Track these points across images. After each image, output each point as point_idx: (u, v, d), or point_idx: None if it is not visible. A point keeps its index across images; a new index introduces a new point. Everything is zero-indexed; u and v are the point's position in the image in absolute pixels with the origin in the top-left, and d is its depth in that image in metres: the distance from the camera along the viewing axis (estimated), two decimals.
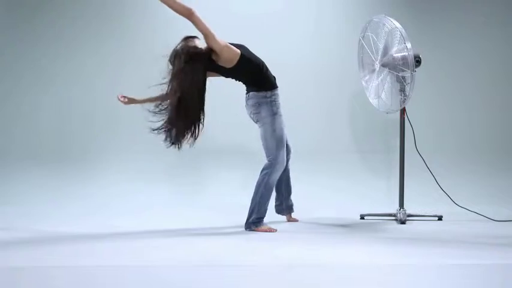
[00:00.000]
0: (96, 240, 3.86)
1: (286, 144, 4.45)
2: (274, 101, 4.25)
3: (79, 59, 6.17)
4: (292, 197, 4.72)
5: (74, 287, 2.84)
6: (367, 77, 4.80)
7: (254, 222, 4.24)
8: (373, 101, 4.79)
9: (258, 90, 4.25)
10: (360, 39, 4.82)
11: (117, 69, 6.14)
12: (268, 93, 4.24)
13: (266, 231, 4.19)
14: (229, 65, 4.15)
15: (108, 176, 5.86)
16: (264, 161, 4.30)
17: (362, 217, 4.84)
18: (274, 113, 4.24)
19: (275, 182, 4.30)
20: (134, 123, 6.14)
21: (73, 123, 6.13)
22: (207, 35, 4.00)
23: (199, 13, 3.99)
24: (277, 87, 4.30)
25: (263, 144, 4.30)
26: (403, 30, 4.50)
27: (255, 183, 4.28)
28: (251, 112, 4.32)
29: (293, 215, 4.76)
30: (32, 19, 6.16)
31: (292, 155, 4.61)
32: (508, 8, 6.26)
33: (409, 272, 3.02)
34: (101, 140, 6.08)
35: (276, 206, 4.72)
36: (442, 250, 3.52)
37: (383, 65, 4.62)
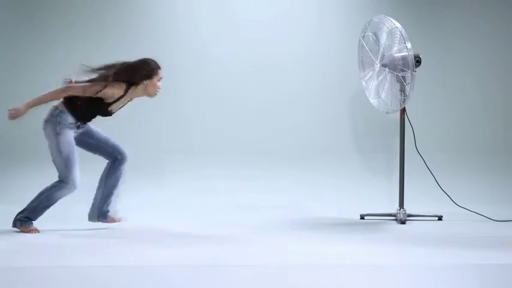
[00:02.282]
0: (96, 240, 3.86)
1: (120, 151, 4.40)
2: (57, 122, 4.19)
3: (79, 58, 6.16)
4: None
5: (74, 287, 2.84)
6: (367, 77, 4.80)
7: (22, 220, 4.17)
8: (373, 101, 4.79)
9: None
10: (360, 39, 4.82)
11: None
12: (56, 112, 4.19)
13: (31, 231, 4.10)
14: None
15: None
16: None
17: (362, 217, 4.84)
18: (57, 133, 4.20)
19: (58, 199, 4.23)
20: (134, 123, 6.15)
21: None
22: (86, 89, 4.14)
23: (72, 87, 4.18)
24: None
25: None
26: (403, 30, 4.50)
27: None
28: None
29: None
30: (31, 19, 6.16)
31: (127, 162, 4.45)
32: (508, 8, 6.26)
33: (409, 272, 3.02)
34: None
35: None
36: (442, 250, 3.52)
37: (383, 65, 4.62)
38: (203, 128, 6.07)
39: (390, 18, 4.59)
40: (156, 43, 6.18)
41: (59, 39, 6.17)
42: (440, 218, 4.73)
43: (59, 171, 4.21)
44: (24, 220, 4.19)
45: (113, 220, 4.35)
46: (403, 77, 4.52)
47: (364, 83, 4.84)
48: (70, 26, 6.16)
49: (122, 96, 4.20)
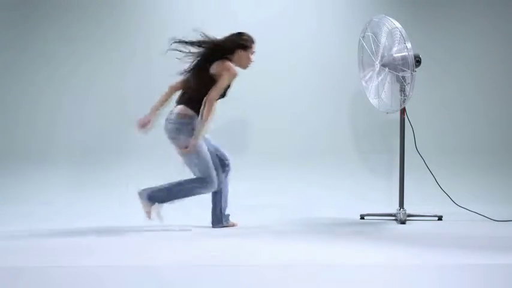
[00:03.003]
0: (96, 240, 3.86)
1: (227, 158, 4.43)
2: (192, 128, 4.21)
3: (79, 59, 6.17)
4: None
5: (74, 287, 2.84)
6: (367, 77, 4.80)
7: (152, 196, 4.29)
8: (373, 101, 4.79)
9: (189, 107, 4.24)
10: (360, 39, 4.82)
11: (117, 68, 6.14)
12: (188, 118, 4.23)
13: (148, 213, 4.25)
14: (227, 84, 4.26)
15: (108, 176, 5.86)
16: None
17: (362, 217, 4.84)
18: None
19: (193, 195, 4.29)
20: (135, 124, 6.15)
21: (73, 123, 6.13)
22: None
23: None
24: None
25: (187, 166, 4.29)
26: (403, 30, 4.50)
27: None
28: (169, 136, 4.31)
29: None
30: (31, 19, 6.16)
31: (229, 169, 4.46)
32: (508, 8, 6.26)
33: (409, 272, 3.02)
34: (101, 140, 6.08)
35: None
36: (442, 250, 3.52)
37: (383, 65, 4.62)
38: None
39: (390, 18, 4.59)
40: (156, 42, 6.18)
41: (59, 39, 6.17)
42: (440, 218, 4.73)
43: (200, 172, 4.24)
44: (149, 199, 4.28)
45: (233, 224, 4.44)
46: (403, 77, 4.52)
47: (364, 83, 4.84)
48: (70, 25, 6.16)
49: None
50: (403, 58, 4.49)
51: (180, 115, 4.24)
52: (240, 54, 4.30)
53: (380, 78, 4.68)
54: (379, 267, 3.11)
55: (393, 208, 4.79)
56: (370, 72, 4.75)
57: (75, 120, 6.13)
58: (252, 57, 4.35)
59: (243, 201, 5.08)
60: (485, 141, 6.12)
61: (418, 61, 4.55)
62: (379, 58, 4.65)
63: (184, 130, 4.21)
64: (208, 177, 4.23)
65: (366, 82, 4.81)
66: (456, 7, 6.24)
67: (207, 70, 4.24)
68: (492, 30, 6.24)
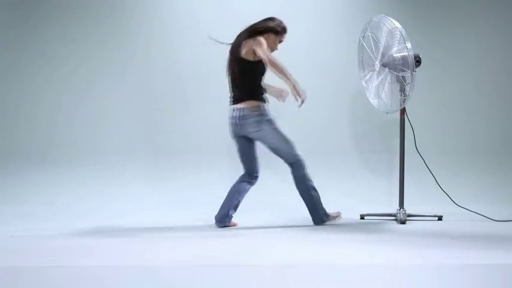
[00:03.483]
0: (96, 240, 3.86)
1: (258, 172, 4.48)
2: (267, 115, 4.32)
3: (79, 59, 6.17)
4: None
5: (74, 287, 2.84)
6: (367, 77, 4.80)
7: (325, 214, 4.45)
8: (373, 101, 4.79)
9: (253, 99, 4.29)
10: (360, 39, 4.82)
11: (118, 68, 6.15)
12: (261, 109, 4.30)
13: (335, 218, 4.52)
14: (249, 58, 4.28)
15: (108, 176, 5.86)
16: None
17: (362, 217, 4.84)
18: (273, 126, 4.33)
19: (309, 176, 4.42)
20: (136, 124, 6.15)
21: (73, 123, 6.14)
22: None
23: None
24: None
25: (277, 154, 4.40)
26: (403, 30, 4.50)
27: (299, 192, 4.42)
28: (250, 132, 4.32)
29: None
30: (31, 19, 6.17)
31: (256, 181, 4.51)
32: (508, 8, 6.26)
33: (409, 272, 3.02)
34: (101, 140, 6.09)
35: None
36: (442, 250, 3.52)
37: (383, 65, 4.62)
38: (202, 128, 6.07)
39: (390, 18, 4.59)
40: (156, 41, 6.19)
41: (59, 39, 6.17)
42: (440, 218, 4.73)
43: (286, 156, 4.38)
44: (326, 214, 4.48)
45: (234, 224, 4.45)
46: (403, 77, 4.52)
47: (364, 83, 4.84)
48: (70, 25, 6.16)
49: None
50: (403, 58, 4.49)
51: (252, 108, 4.27)
52: (269, 36, 4.34)
53: (380, 78, 4.68)
54: (379, 267, 3.11)
55: (393, 208, 4.79)
56: (370, 72, 4.75)
57: (75, 120, 6.13)
58: (278, 45, 4.39)
59: (243, 201, 5.08)
60: (485, 141, 6.12)
61: (418, 61, 4.55)
62: (379, 58, 4.65)
63: (263, 120, 4.27)
64: (295, 158, 4.36)
65: (366, 82, 4.81)
66: (456, 7, 6.24)
67: (242, 57, 4.26)
68: (492, 31, 6.24)
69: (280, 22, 4.45)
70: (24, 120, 6.14)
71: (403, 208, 4.67)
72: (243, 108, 4.27)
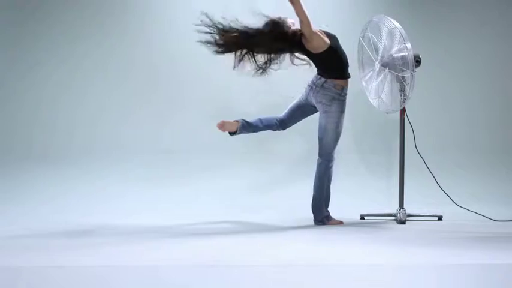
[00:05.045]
0: (96, 240, 3.86)
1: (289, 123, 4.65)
2: (344, 100, 4.46)
3: (80, 58, 6.17)
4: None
5: (74, 287, 2.84)
6: (367, 77, 4.80)
7: (328, 216, 4.49)
8: (373, 101, 4.79)
9: (333, 77, 4.43)
10: (360, 39, 4.82)
11: (119, 67, 6.15)
12: (344, 91, 4.45)
13: (335, 224, 4.48)
14: (315, 51, 4.39)
15: (108, 176, 5.86)
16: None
17: (362, 217, 4.84)
18: (342, 111, 4.46)
19: (331, 178, 4.49)
20: (136, 124, 6.15)
21: (74, 122, 6.13)
22: (303, 21, 4.27)
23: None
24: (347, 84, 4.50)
25: (320, 137, 4.48)
26: (403, 30, 4.50)
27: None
28: (319, 101, 4.44)
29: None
30: (32, 17, 6.16)
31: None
32: (508, 8, 6.26)
33: (409, 272, 3.02)
34: (102, 140, 6.08)
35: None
36: (442, 250, 3.52)
37: (383, 65, 4.62)
38: (202, 128, 6.07)
39: (390, 18, 4.59)
40: (156, 40, 6.19)
41: (61, 38, 6.17)
42: (440, 218, 4.73)
43: (324, 146, 4.46)
44: (328, 215, 4.49)
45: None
46: (403, 77, 4.52)
47: (364, 83, 4.84)
48: (71, 25, 6.16)
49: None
50: (403, 58, 4.49)
51: (335, 85, 4.44)
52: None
53: (380, 78, 4.68)
54: (379, 267, 3.11)
55: (393, 208, 4.79)
56: (370, 72, 4.75)
57: (75, 120, 6.13)
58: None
59: (243, 201, 5.09)
60: (485, 141, 6.12)
61: (418, 61, 4.55)
62: (379, 58, 4.65)
63: (338, 99, 4.44)
64: (330, 154, 4.47)
65: (366, 82, 4.81)
66: (456, 7, 6.23)
67: (305, 49, 4.38)
68: (492, 31, 6.24)
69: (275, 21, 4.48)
70: (24, 120, 6.14)
71: (403, 208, 4.67)
72: (328, 81, 4.43)
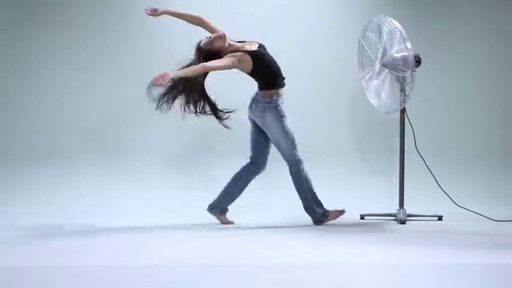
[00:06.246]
0: (96, 240, 3.87)
1: (264, 163, 4.55)
2: (277, 107, 4.39)
3: (79, 58, 6.17)
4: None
5: (74, 287, 2.84)
6: (367, 77, 4.80)
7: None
8: (373, 101, 4.79)
9: (263, 88, 4.41)
10: (360, 39, 4.82)
11: (119, 67, 6.14)
12: (273, 98, 4.39)
13: (336, 216, 4.46)
14: (246, 72, 4.40)
15: (108, 176, 5.86)
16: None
17: (362, 217, 4.84)
18: (279, 117, 4.37)
19: (307, 176, 4.43)
20: (136, 124, 6.15)
21: (74, 122, 6.13)
22: (223, 68, 4.28)
23: (210, 64, 4.23)
24: (281, 93, 4.45)
25: (276, 148, 4.47)
26: (403, 30, 4.50)
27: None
28: (256, 116, 4.43)
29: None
30: (32, 19, 6.16)
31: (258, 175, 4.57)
32: (508, 8, 6.26)
33: (409, 272, 3.02)
34: (103, 139, 6.08)
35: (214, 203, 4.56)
36: (442, 250, 3.52)
37: (383, 65, 4.62)
38: (202, 128, 6.06)
39: (390, 18, 4.59)
40: (156, 41, 6.19)
41: (61, 38, 6.17)
42: (440, 218, 4.73)
43: (285, 154, 4.41)
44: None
45: (227, 221, 4.50)
46: (403, 77, 4.52)
47: (364, 83, 4.84)
48: (72, 24, 6.16)
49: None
50: (403, 58, 4.49)
51: (263, 94, 4.40)
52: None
53: (380, 78, 4.68)
54: (379, 267, 3.11)
55: (393, 208, 4.79)
56: (370, 72, 4.75)
57: (76, 120, 6.12)
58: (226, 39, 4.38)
59: (243, 201, 5.08)
60: (485, 141, 6.12)
61: (418, 61, 4.55)
62: (379, 58, 4.65)
63: (269, 107, 4.37)
64: (293, 159, 4.41)
65: (366, 82, 4.81)
66: (456, 7, 6.23)
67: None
68: (492, 30, 6.24)
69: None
70: (24, 120, 6.14)
71: (403, 208, 4.67)
72: (258, 92, 4.43)
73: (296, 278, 2.91)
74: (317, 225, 4.45)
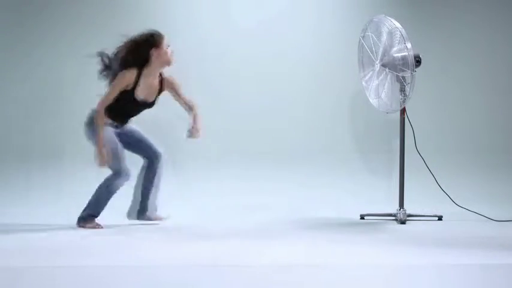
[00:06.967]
0: (96, 240, 3.86)
1: (154, 151, 4.55)
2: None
3: (78, 59, 6.16)
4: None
5: (74, 287, 2.84)
6: (367, 77, 4.80)
7: (85, 217, 4.33)
8: (373, 101, 4.79)
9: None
10: (360, 39, 4.82)
11: None
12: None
13: (95, 227, 4.27)
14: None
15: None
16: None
17: (362, 217, 4.84)
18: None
19: (116, 190, 4.39)
20: (136, 123, 6.15)
21: (73, 122, 6.13)
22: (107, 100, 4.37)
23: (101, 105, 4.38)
24: None
25: None
26: (403, 30, 4.50)
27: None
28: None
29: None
30: (30, 19, 6.16)
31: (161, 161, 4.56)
32: (508, 8, 6.26)
33: (409, 272, 3.02)
34: None
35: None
36: (442, 250, 3.52)
37: (383, 65, 4.62)
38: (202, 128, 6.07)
39: (390, 18, 4.59)
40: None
41: (62, 38, 6.17)
42: (440, 218, 4.73)
43: (110, 167, 4.38)
44: (87, 217, 4.33)
45: (150, 219, 4.46)
46: (403, 77, 4.52)
47: (364, 83, 4.84)
48: (72, 24, 6.16)
49: (139, 76, 4.30)
50: (403, 58, 4.50)
51: (92, 111, 4.48)
52: (155, 54, 4.32)
53: (380, 78, 4.68)
54: (379, 267, 3.11)
55: (393, 208, 4.79)
56: (370, 72, 4.75)
57: (75, 119, 6.12)
58: (169, 51, 4.34)
59: (243, 201, 5.09)
60: (485, 141, 6.12)
61: (418, 61, 4.55)
62: (379, 58, 4.65)
63: (91, 124, 4.47)
64: (117, 170, 4.36)
65: (366, 82, 4.81)
66: (456, 7, 6.23)
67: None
68: (492, 30, 6.24)
69: (152, 32, 4.37)
70: (24, 120, 6.14)
71: (403, 208, 4.67)
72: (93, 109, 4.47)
73: (296, 278, 2.91)
74: (78, 223, 4.33)
